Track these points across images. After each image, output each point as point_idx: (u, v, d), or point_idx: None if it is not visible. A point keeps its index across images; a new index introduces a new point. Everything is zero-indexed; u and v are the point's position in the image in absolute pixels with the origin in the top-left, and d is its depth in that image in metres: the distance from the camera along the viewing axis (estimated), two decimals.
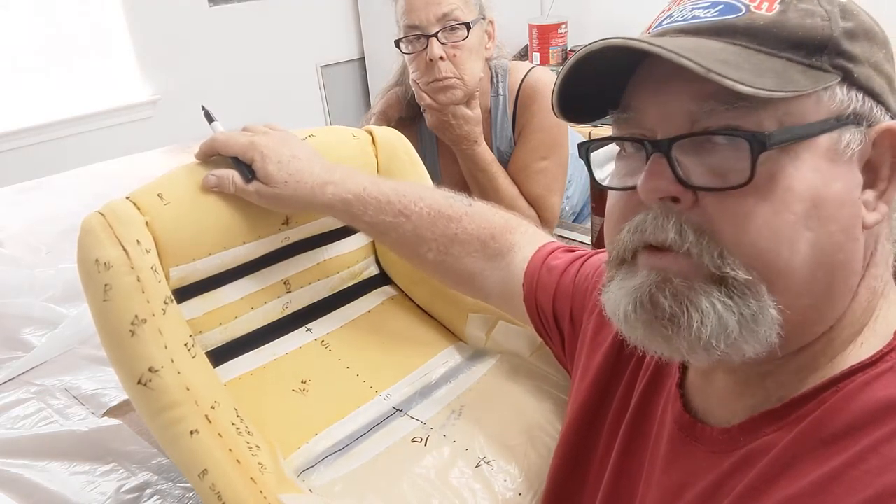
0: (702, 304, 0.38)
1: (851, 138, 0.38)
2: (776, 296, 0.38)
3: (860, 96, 0.38)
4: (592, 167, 0.47)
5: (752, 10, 0.38)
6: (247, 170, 0.69)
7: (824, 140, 0.38)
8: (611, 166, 0.47)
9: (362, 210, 0.71)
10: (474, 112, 1.13)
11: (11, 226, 1.47)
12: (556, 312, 0.67)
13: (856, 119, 0.38)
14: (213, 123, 0.74)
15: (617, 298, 0.42)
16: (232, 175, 0.69)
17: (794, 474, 0.38)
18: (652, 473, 0.48)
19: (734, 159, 0.37)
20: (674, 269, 0.39)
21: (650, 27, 0.43)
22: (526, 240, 0.72)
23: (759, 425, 0.41)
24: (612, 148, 0.46)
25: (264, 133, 0.71)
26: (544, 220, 1.20)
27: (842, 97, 0.38)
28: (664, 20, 0.42)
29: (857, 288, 0.40)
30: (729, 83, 0.34)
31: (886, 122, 0.39)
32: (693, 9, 0.40)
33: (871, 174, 0.39)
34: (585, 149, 0.46)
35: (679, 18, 0.40)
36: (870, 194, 0.39)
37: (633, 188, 0.40)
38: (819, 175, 0.37)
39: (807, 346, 0.40)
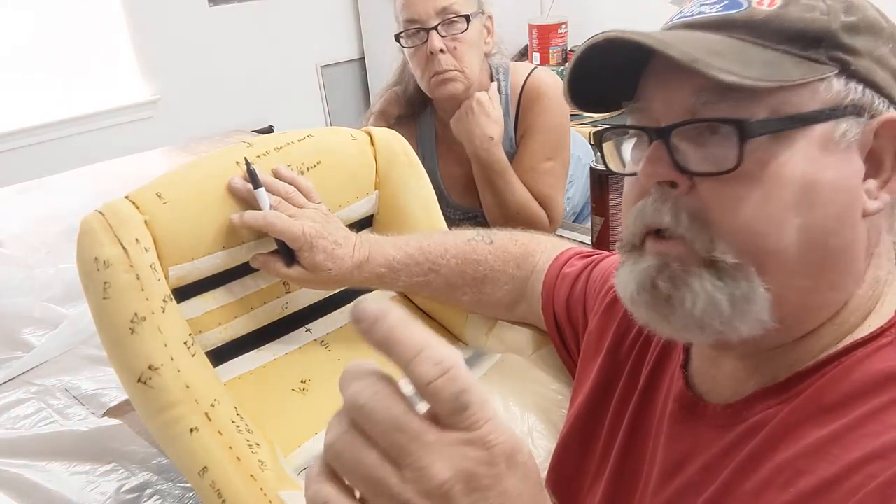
0: (694, 286, 0.40)
1: (849, 128, 0.39)
2: (766, 277, 0.39)
3: (860, 88, 0.40)
4: (604, 157, 0.49)
5: (754, 5, 0.40)
6: (290, 255, 0.71)
7: (819, 129, 0.39)
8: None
9: (395, 278, 0.75)
10: (495, 113, 1.12)
11: (11, 226, 1.47)
12: (570, 320, 0.69)
13: (855, 110, 0.40)
14: (259, 190, 0.69)
15: (626, 281, 0.44)
16: (274, 260, 0.71)
17: (794, 439, 0.39)
18: (656, 453, 0.49)
19: (724, 147, 0.39)
20: (673, 255, 0.41)
21: (665, 25, 0.45)
22: (544, 259, 0.75)
23: (762, 399, 0.42)
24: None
25: (310, 218, 0.71)
26: (552, 220, 1.20)
27: (839, 88, 0.39)
28: (676, 17, 0.44)
29: (864, 275, 0.41)
30: (707, 70, 0.36)
31: (888, 113, 0.40)
32: (701, 5, 0.42)
33: (874, 164, 0.41)
34: (598, 137, 0.48)
35: (687, 14, 0.43)
36: (872, 183, 0.40)
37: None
38: (811, 163, 0.39)
39: (815, 329, 0.42)
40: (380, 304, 0.29)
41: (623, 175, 0.46)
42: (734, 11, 0.40)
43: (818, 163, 0.39)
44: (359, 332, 0.29)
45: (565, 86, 0.45)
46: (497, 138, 1.12)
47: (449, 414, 0.28)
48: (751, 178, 0.39)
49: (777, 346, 0.42)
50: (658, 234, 0.42)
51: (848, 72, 0.39)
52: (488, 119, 1.11)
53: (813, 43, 0.39)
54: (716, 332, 0.40)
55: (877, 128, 0.40)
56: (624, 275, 0.44)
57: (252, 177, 0.70)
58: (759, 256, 0.39)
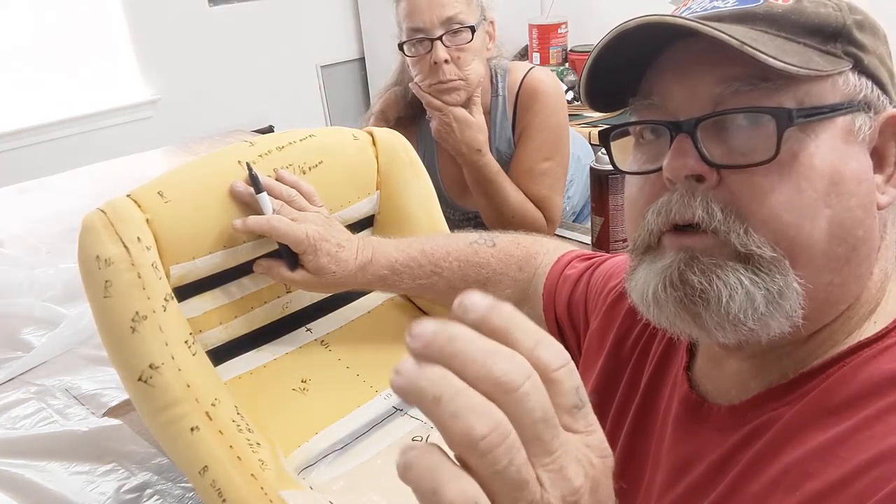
0: (730, 280, 0.39)
1: (863, 123, 0.40)
2: (799, 271, 0.39)
3: (869, 84, 0.41)
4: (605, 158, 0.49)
5: (770, 0, 0.40)
6: (293, 259, 0.71)
7: (840, 122, 0.39)
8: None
9: (398, 280, 0.74)
10: (476, 118, 1.11)
11: (11, 226, 1.47)
12: (572, 321, 0.69)
13: (866, 105, 0.40)
14: (261, 194, 0.69)
15: (646, 280, 0.42)
16: (278, 265, 0.71)
17: (800, 441, 0.39)
18: (659, 455, 0.49)
19: (758, 137, 0.39)
20: (700, 248, 0.40)
21: None
22: (546, 261, 0.75)
23: (767, 401, 0.42)
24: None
25: (312, 222, 0.71)
26: (549, 221, 1.19)
27: (854, 83, 0.40)
28: (683, 12, 0.43)
29: (873, 268, 0.42)
30: (762, 56, 0.36)
31: (891, 110, 0.41)
32: (712, 0, 0.42)
33: (878, 160, 0.41)
34: (606, 136, 0.47)
35: (699, 9, 0.42)
36: (879, 178, 0.41)
37: (657, 171, 0.42)
38: (837, 154, 0.39)
39: (828, 324, 0.42)
40: (486, 298, 0.26)
41: (642, 174, 0.44)
42: (752, 5, 0.40)
43: (843, 154, 0.39)
44: (468, 322, 0.25)
45: (582, 83, 0.44)
46: (484, 148, 1.12)
47: (570, 408, 0.26)
48: (783, 169, 0.38)
49: (790, 343, 0.42)
50: (678, 229, 0.41)
51: (860, 67, 0.40)
52: (470, 131, 1.10)
53: (831, 37, 0.40)
54: (747, 331, 0.39)
55: (880, 124, 0.41)
56: (641, 276, 0.43)
57: (254, 181, 0.70)
58: (793, 248, 0.38)
